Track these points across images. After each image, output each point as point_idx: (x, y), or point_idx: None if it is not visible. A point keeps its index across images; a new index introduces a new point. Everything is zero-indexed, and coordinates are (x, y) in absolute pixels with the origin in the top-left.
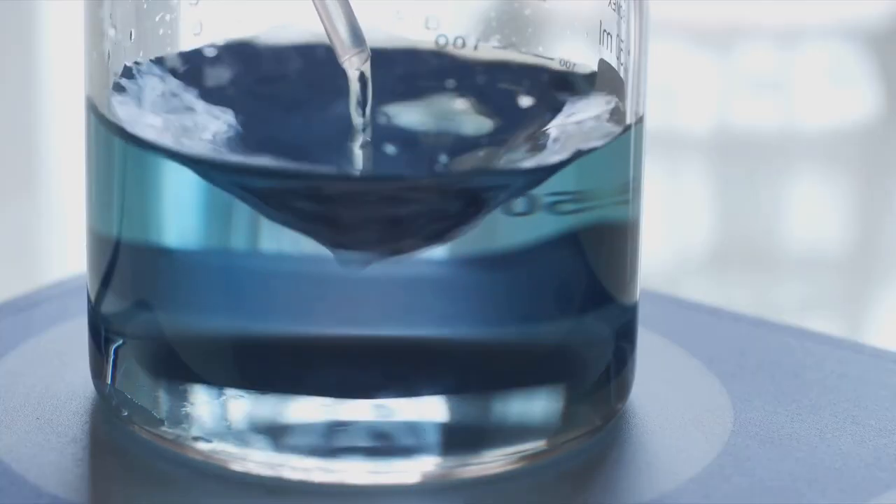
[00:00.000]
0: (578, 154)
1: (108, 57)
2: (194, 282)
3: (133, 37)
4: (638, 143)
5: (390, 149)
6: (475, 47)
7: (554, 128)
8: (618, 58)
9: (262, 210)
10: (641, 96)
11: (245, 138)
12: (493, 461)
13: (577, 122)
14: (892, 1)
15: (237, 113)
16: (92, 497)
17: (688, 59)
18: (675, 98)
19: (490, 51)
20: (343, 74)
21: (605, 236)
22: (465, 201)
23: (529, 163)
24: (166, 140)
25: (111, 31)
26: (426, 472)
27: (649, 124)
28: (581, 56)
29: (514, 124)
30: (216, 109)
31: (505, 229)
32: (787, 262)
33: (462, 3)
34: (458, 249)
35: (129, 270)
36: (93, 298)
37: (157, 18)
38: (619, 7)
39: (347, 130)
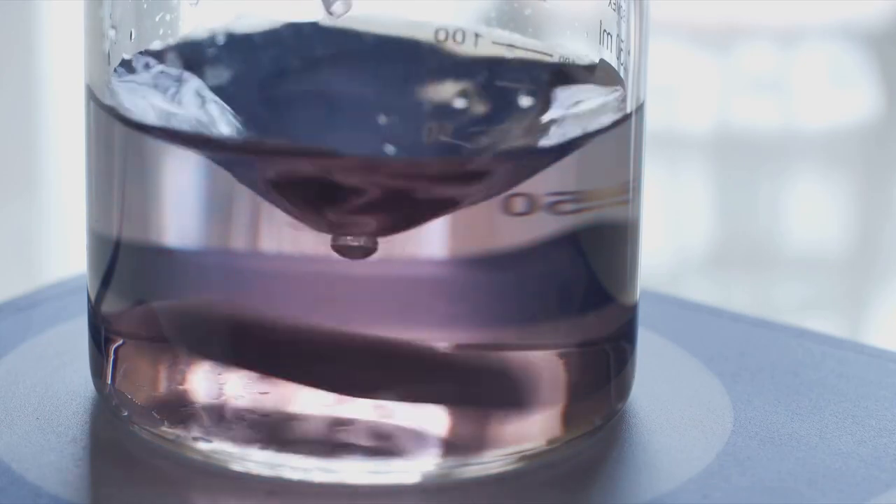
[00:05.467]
0: (580, 140)
1: (108, 57)
2: (194, 281)
3: (133, 37)
4: (638, 137)
5: (388, 131)
6: (475, 43)
7: (554, 114)
8: (618, 58)
9: (257, 190)
10: (642, 96)
11: (242, 119)
12: (493, 461)
13: (578, 109)
14: (893, 1)
15: (233, 95)
16: (92, 497)
17: (688, 59)
18: (675, 98)
19: (489, 45)
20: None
21: (605, 236)
22: (465, 183)
23: (532, 146)
24: (165, 122)
25: (111, 32)
26: (426, 472)
27: (649, 125)
28: (581, 56)
29: (515, 111)
30: (214, 93)
31: (505, 229)
32: (787, 262)
33: (462, 3)
34: (458, 249)
35: (129, 270)
36: (93, 298)
37: (157, 18)
38: (619, 7)
39: (345, 112)
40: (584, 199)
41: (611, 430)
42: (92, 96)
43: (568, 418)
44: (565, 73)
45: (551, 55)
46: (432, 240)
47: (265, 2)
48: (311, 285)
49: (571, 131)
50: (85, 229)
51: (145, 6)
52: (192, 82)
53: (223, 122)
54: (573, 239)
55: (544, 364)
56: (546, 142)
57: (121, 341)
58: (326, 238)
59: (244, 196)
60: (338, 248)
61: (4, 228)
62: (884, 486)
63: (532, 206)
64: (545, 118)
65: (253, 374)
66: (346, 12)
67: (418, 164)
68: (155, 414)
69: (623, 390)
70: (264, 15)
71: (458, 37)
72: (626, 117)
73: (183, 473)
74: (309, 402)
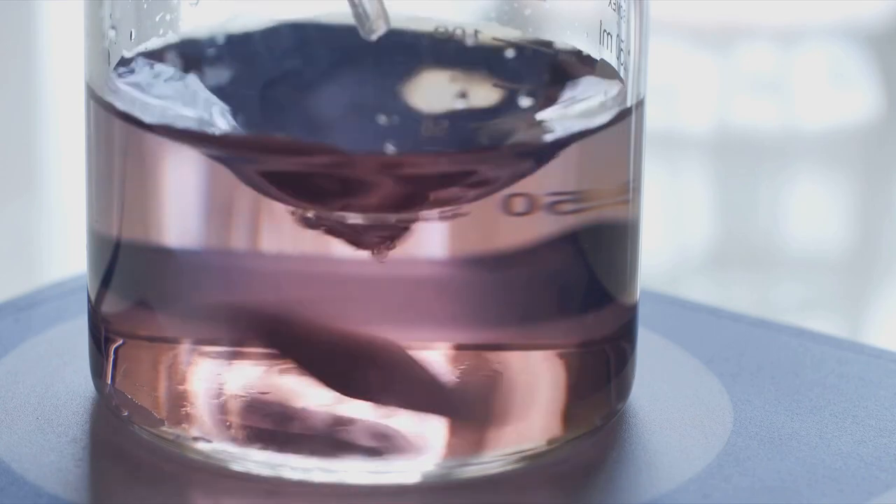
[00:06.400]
0: (579, 136)
1: (108, 57)
2: (194, 281)
3: (133, 37)
4: (638, 135)
5: (387, 126)
6: (475, 40)
7: (554, 110)
8: (618, 58)
9: (254, 182)
10: (641, 93)
11: (241, 116)
12: (493, 461)
13: (577, 104)
14: (893, 1)
15: (233, 93)
16: (92, 497)
17: (688, 59)
18: (675, 98)
19: (489, 42)
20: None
21: (605, 236)
22: (465, 180)
23: (531, 141)
24: (165, 120)
25: (111, 32)
26: (426, 472)
27: (649, 124)
28: (580, 53)
29: (514, 107)
30: (213, 91)
31: (505, 229)
32: (787, 262)
33: (461, 4)
34: (458, 249)
35: (129, 270)
36: (93, 298)
37: (157, 18)
38: (619, 7)
39: (344, 109)
40: (584, 199)
41: (611, 430)
42: (92, 96)
43: (568, 418)
44: (564, 70)
45: (551, 52)
46: (433, 240)
47: (264, 1)
48: (312, 285)
49: (570, 127)
50: (85, 229)
51: (145, 6)
52: (192, 80)
53: (222, 120)
54: (573, 239)
55: (544, 364)
56: (545, 137)
57: (121, 341)
58: (327, 238)
59: (244, 195)
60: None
61: (4, 228)
62: (884, 486)
63: (532, 206)
64: (544, 114)
65: (253, 374)
66: (385, 30)
67: (417, 160)
68: (155, 414)
69: (623, 390)
70: (262, 14)
71: (458, 34)
72: (626, 114)
73: (183, 473)
74: (309, 402)
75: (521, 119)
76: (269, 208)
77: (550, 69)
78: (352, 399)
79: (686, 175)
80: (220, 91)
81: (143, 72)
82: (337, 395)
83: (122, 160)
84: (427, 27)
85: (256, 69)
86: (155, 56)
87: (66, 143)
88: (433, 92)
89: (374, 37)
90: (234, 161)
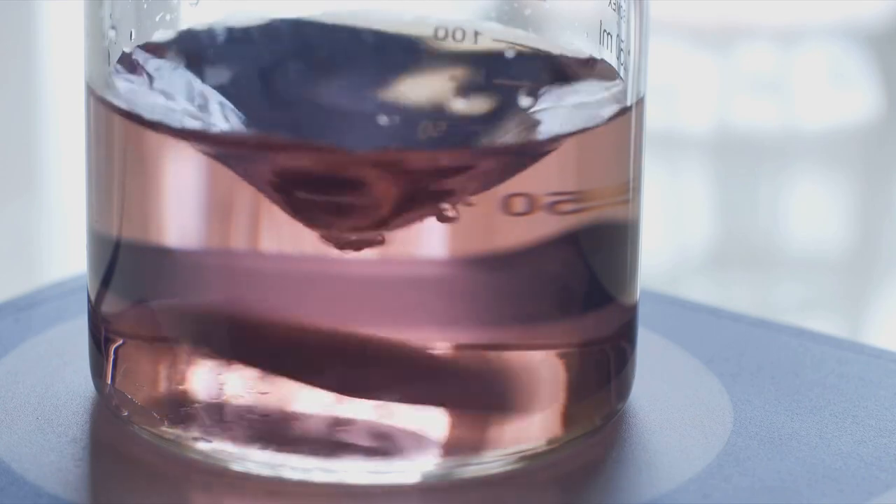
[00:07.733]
0: (579, 134)
1: (109, 57)
2: (194, 281)
3: (133, 37)
4: (638, 134)
5: (386, 124)
6: (475, 40)
7: (553, 108)
8: (618, 58)
9: (252, 179)
10: (641, 91)
11: (242, 115)
12: (493, 461)
13: (576, 102)
14: (893, 1)
15: (233, 91)
16: (92, 497)
17: (688, 59)
18: (675, 98)
19: (489, 43)
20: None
21: (605, 236)
22: (463, 178)
23: (531, 139)
24: (165, 118)
25: (111, 32)
26: (426, 472)
27: (649, 125)
28: (580, 52)
29: (514, 106)
30: (213, 88)
31: (505, 229)
32: (787, 262)
33: (461, 4)
34: (458, 249)
35: (129, 270)
36: (93, 298)
37: (157, 18)
38: (619, 7)
39: (342, 108)
40: (584, 199)
41: (611, 430)
42: (92, 95)
43: (568, 418)
44: (564, 69)
45: (551, 52)
46: (432, 240)
47: (264, 1)
48: (312, 285)
49: (570, 126)
50: (85, 229)
51: (145, 6)
52: (191, 77)
53: (222, 118)
54: (573, 239)
55: (544, 364)
56: (545, 137)
57: (121, 341)
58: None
59: (245, 195)
60: (339, 244)
61: (4, 228)
62: (884, 486)
63: (532, 206)
64: (544, 113)
65: (253, 374)
66: None
67: (416, 159)
68: (155, 414)
69: (623, 390)
70: (261, 13)
71: (458, 35)
72: (626, 111)
73: (183, 473)
74: (309, 402)
75: (521, 118)
76: (269, 207)
77: (550, 68)
78: (351, 399)
79: (686, 175)
80: (219, 90)
81: (142, 71)
82: (336, 395)
83: (122, 160)
84: (427, 27)
85: (256, 68)
86: (154, 55)
87: (66, 143)
88: (433, 91)
89: None
90: (234, 160)
